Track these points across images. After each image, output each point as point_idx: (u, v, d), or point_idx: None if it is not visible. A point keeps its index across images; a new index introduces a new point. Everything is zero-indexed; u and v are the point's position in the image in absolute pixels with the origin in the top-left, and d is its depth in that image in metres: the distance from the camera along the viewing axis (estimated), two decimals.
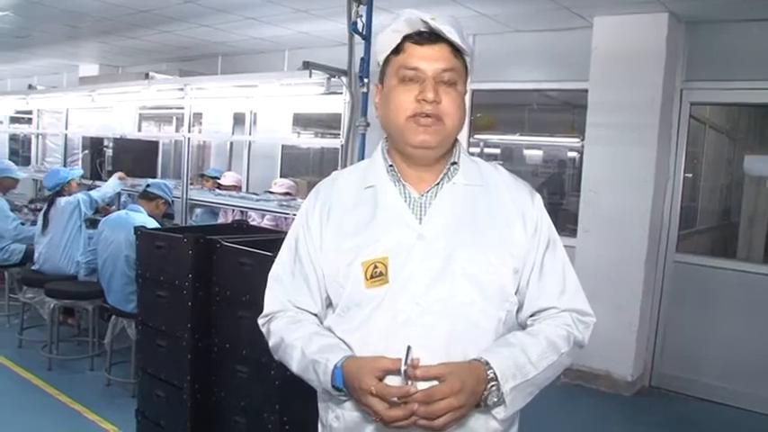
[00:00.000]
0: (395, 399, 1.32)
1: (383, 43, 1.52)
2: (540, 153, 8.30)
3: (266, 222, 5.83)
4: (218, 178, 6.60)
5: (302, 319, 1.59)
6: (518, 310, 1.56)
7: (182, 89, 5.20)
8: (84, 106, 6.90)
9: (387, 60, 1.53)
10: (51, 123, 7.92)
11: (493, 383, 1.37)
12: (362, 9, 3.69)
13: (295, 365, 1.54)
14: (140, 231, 3.62)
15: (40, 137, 8.16)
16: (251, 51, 7.93)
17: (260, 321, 1.68)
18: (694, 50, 5.24)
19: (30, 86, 8.55)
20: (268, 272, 2.82)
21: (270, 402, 2.90)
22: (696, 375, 5.16)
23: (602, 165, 5.27)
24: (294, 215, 4.48)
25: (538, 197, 1.60)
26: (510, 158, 7.23)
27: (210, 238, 3.27)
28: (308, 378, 1.51)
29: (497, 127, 6.87)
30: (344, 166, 3.86)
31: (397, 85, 1.48)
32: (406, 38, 1.48)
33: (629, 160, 5.10)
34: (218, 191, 5.91)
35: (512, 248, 1.50)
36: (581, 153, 5.67)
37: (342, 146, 3.88)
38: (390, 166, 1.56)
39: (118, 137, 6.37)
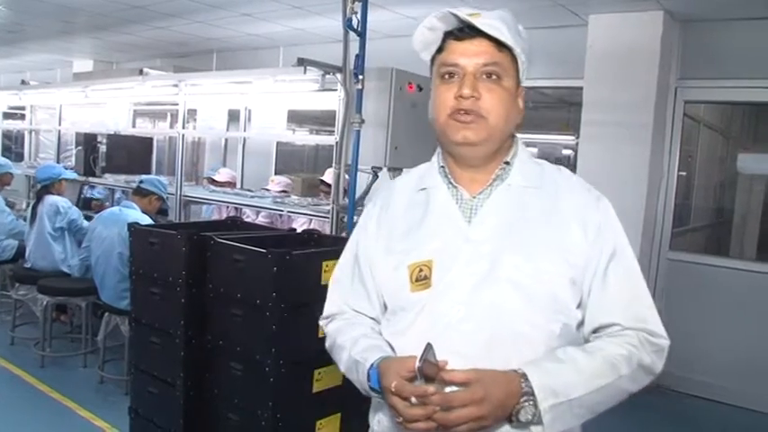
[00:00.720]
0: (414, 399, 1.27)
1: (419, 41, 1.49)
2: (534, 150, 8.32)
3: (261, 219, 5.82)
4: None
5: (358, 321, 1.58)
6: (581, 326, 1.45)
7: (176, 85, 5.18)
8: (78, 102, 6.87)
9: (432, 59, 1.50)
10: (44, 119, 7.88)
11: (528, 398, 1.27)
12: (357, 5, 3.67)
13: (342, 366, 1.54)
14: (134, 228, 3.60)
15: (33, 133, 8.12)
16: (246, 48, 7.91)
17: (321, 323, 1.67)
18: (689, 49, 5.25)
19: (22, 82, 8.52)
20: (262, 268, 2.84)
21: (263, 399, 2.89)
22: (690, 373, 5.17)
23: (596, 162, 5.27)
24: (288, 212, 4.52)
25: (604, 202, 1.48)
26: None
27: (204, 234, 3.26)
28: (353, 379, 1.51)
29: None
30: (339, 162, 3.85)
31: (440, 84, 1.45)
32: (448, 35, 1.44)
33: (624, 158, 5.11)
34: (212, 187, 5.90)
35: (568, 256, 1.39)
36: (576, 150, 5.68)
37: (336, 143, 3.87)
38: (442, 167, 1.52)
39: (112, 133, 6.34)
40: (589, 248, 1.41)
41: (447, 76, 1.43)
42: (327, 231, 4.01)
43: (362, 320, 1.58)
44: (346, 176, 3.90)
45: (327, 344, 1.62)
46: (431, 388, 1.25)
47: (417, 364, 1.27)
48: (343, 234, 3.85)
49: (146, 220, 4.50)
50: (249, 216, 5.91)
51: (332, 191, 4.01)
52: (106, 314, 4.58)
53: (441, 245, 1.43)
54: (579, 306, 1.42)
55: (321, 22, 6.17)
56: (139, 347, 3.61)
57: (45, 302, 4.96)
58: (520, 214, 1.43)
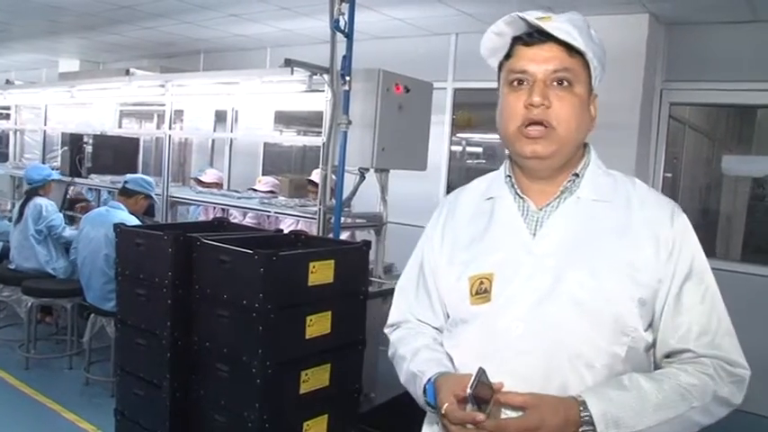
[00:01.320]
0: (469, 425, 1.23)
1: (488, 47, 1.43)
2: None
3: (248, 220, 5.80)
4: None
5: (421, 331, 1.56)
6: (651, 350, 1.38)
7: (162, 86, 5.16)
8: (64, 102, 6.82)
9: (500, 66, 1.44)
10: (30, 119, 7.82)
11: (588, 428, 1.21)
12: (345, 7, 3.67)
13: (402, 377, 1.53)
14: (120, 229, 3.58)
15: (18, 133, 8.06)
16: (233, 48, 7.90)
17: (386, 331, 1.67)
18: (674, 51, 5.30)
19: (7, 81, 8.45)
20: (248, 269, 2.84)
21: (250, 401, 2.89)
22: None
23: None
24: (275, 213, 4.51)
25: (681, 218, 1.40)
26: (492, 157, 7.25)
27: (190, 235, 3.25)
28: (411, 391, 1.49)
29: (481, 126, 6.88)
30: (326, 164, 3.85)
31: (508, 92, 1.39)
32: (517, 40, 1.39)
33: (610, 160, 5.00)
34: (198, 188, 5.87)
35: (638, 275, 1.32)
36: None
37: (323, 144, 3.86)
38: (508, 176, 1.48)
39: (98, 133, 6.30)
40: (662, 267, 1.33)
41: (516, 83, 1.37)
42: (315, 232, 4.00)
43: (426, 330, 1.56)
44: (333, 177, 3.90)
45: (390, 353, 1.61)
46: (480, 416, 1.20)
47: (469, 390, 1.22)
48: (330, 235, 3.85)
49: (132, 220, 4.48)
50: (236, 217, 5.89)
51: (319, 192, 4.00)
52: (92, 315, 4.55)
53: (503, 257, 1.39)
54: (649, 328, 1.36)
55: (309, 23, 6.17)
56: (125, 349, 3.59)
57: (29, 304, 4.92)
58: (588, 229, 1.37)
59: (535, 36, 1.35)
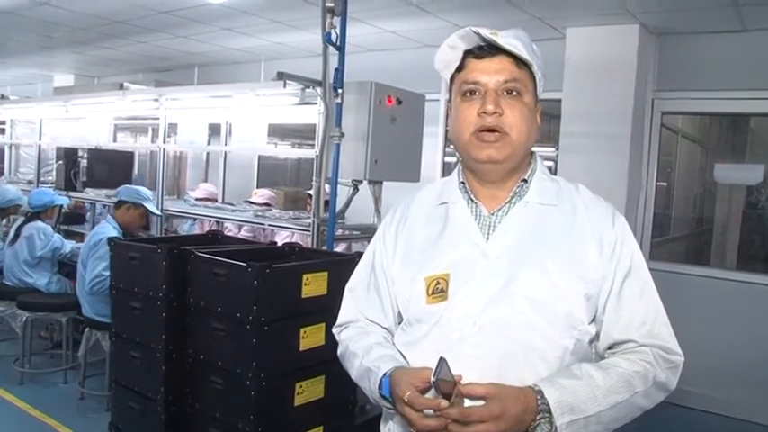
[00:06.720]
0: (430, 411, 1.28)
1: (442, 60, 1.52)
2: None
3: (244, 233, 5.80)
4: None
5: (371, 330, 1.60)
6: (594, 342, 1.48)
7: (156, 99, 5.18)
8: (59, 117, 6.84)
9: (452, 79, 1.53)
10: (25, 134, 7.83)
11: (544, 415, 1.29)
12: (337, 20, 3.70)
13: (354, 373, 1.57)
14: (114, 242, 3.59)
15: (13, 147, 8.07)
16: (227, 62, 7.93)
17: (334, 330, 1.70)
18: (665, 61, 5.33)
19: (2, 96, 8.46)
20: (242, 282, 2.85)
21: (245, 413, 2.89)
22: None
23: (575, 174, 5.28)
24: (269, 226, 4.51)
25: (621, 219, 1.50)
26: None
27: (184, 248, 3.26)
28: (363, 386, 1.53)
29: None
30: (319, 176, 3.86)
31: (461, 102, 1.47)
32: (468, 54, 1.48)
33: (603, 169, 5.16)
34: (193, 202, 5.88)
35: (584, 272, 1.41)
36: (555, 162, 5.73)
37: (316, 156, 3.88)
38: (462, 183, 1.55)
39: (92, 147, 6.32)
40: (605, 265, 1.43)
41: (468, 94, 1.46)
42: (309, 245, 4.01)
43: (375, 329, 1.60)
44: (327, 187, 3.91)
45: (339, 351, 1.65)
46: (444, 402, 1.26)
47: (432, 378, 1.27)
48: (324, 247, 3.86)
49: (109, 232, 4.42)
50: (231, 230, 5.90)
51: (312, 204, 4.02)
52: (87, 329, 4.54)
53: (458, 259, 1.45)
54: (592, 321, 1.45)
55: (301, 36, 6.20)
56: (120, 362, 3.59)
57: (24, 318, 4.91)
58: (537, 231, 1.45)
59: (485, 49, 1.45)
